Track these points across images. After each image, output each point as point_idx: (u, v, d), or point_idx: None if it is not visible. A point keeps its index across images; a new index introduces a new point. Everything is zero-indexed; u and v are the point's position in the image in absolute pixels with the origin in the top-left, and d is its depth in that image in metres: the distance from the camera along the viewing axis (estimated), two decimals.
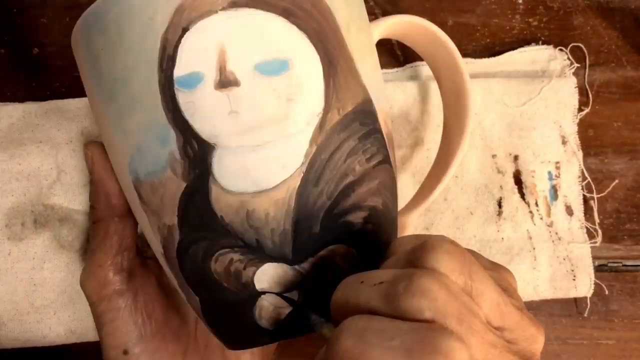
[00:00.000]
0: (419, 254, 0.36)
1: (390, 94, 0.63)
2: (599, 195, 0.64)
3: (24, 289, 0.60)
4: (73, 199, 0.61)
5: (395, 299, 0.34)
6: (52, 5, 0.65)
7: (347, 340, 0.33)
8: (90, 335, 0.61)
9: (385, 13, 0.63)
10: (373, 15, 0.65)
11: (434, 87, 0.63)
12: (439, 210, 0.63)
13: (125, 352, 0.50)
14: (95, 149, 0.50)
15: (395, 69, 0.66)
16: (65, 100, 0.62)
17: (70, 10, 0.65)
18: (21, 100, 0.63)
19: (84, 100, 0.61)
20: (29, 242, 0.61)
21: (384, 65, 0.66)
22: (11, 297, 0.60)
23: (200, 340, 0.55)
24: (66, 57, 0.64)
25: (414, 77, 0.65)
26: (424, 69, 0.65)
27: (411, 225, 0.56)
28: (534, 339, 0.38)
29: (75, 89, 0.64)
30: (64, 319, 0.60)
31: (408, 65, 0.66)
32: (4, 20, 0.65)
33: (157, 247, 0.44)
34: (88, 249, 0.52)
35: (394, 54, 0.66)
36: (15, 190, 0.61)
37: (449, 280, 0.34)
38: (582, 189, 0.64)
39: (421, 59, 0.63)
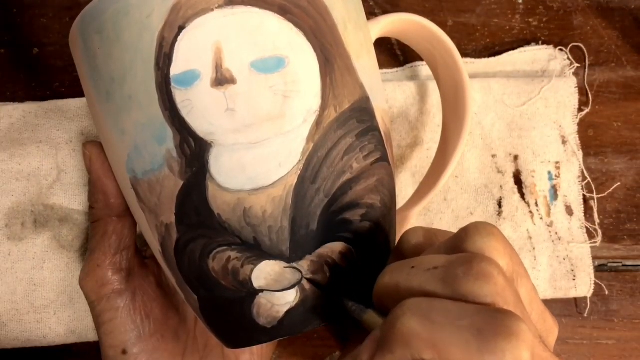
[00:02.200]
0: (464, 237, 0.37)
1: (390, 94, 0.63)
2: (599, 196, 0.64)
3: (24, 289, 0.60)
4: (73, 199, 0.61)
5: (455, 283, 0.34)
6: (52, 5, 0.66)
7: (412, 319, 0.33)
8: (90, 335, 0.61)
9: (385, 13, 0.63)
10: (373, 15, 0.66)
11: (433, 87, 0.63)
12: (439, 210, 0.63)
13: (124, 352, 0.50)
14: (93, 148, 0.50)
15: (395, 69, 0.66)
16: (65, 100, 0.62)
17: (70, 10, 0.66)
18: (21, 100, 0.63)
19: (84, 100, 0.61)
20: (29, 242, 0.61)
21: (383, 65, 0.66)
22: (11, 297, 0.60)
23: (200, 339, 0.55)
24: (66, 57, 0.64)
25: (414, 77, 0.65)
26: (424, 69, 0.65)
27: (410, 224, 0.56)
28: (551, 330, 0.39)
29: (75, 89, 0.64)
30: (64, 319, 0.60)
31: (408, 65, 0.66)
32: (4, 20, 0.66)
33: (155, 246, 0.44)
34: (87, 248, 0.52)
35: (394, 53, 0.66)
36: (15, 190, 0.61)
37: (499, 264, 0.35)
38: (582, 189, 0.64)
39: (421, 59, 0.63)
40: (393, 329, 0.34)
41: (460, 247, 0.37)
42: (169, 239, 0.42)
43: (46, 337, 0.61)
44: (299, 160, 0.40)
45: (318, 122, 0.40)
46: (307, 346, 0.64)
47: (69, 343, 0.61)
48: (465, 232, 0.37)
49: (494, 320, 0.32)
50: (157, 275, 0.54)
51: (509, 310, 0.33)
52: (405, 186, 0.63)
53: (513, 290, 0.35)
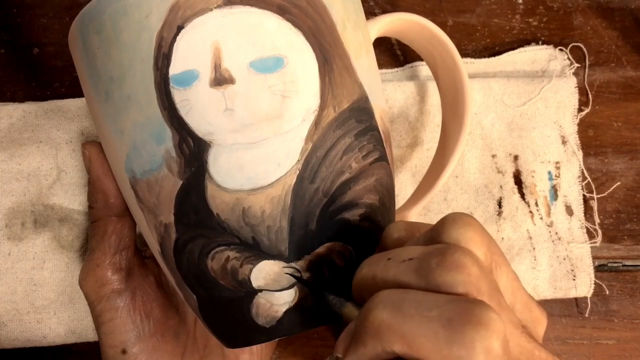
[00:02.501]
0: (440, 229, 0.37)
1: (390, 94, 0.63)
2: (599, 196, 0.64)
3: (24, 289, 0.60)
4: (73, 199, 0.61)
5: (429, 274, 0.34)
6: (52, 5, 0.66)
7: (382, 311, 0.33)
8: (90, 335, 0.61)
9: (385, 12, 0.62)
10: (372, 15, 0.65)
11: (433, 87, 0.63)
12: (439, 210, 0.63)
13: (124, 352, 0.50)
14: (92, 148, 0.50)
15: (395, 69, 0.66)
16: (65, 100, 0.62)
17: (70, 10, 0.66)
18: (21, 100, 0.63)
19: (84, 100, 0.61)
20: (29, 242, 0.61)
21: (383, 65, 0.66)
22: (11, 297, 0.60)
23: (200, 339, 0.55)
24: (66, 57, 0.64)
25: (414, 77, 0.65)
26: (424, 69, 0.65)
27: None
28: (539, 321, 0.39)
29: (75, 89, 0.64)
30: (64, 319, 0.60)
31: (408, 65, 0.66)
32: (4, 20, 0.66)
33: (154, 246, 0.45)
34: (87, 248, 0.52)
35: (394, 54, 0.66)
36: (15, 190, 0.61)
37: (475, 254, 0.35)
38: (582, 189, 0.64)
39: (421, 59, 0.63)
40: (365, 321, 0.34)
41: (437, 238, 0.37)
42: (168, 239, 0.42)
43: (46, 337, 0.61)
44: (298, 160, 0.40)
45: (317, 122, 0.40)
46: (307, 346, 0.64)
47: (69, 343, 0.61)
48: (442, 224, 0.37)
49: (464, 310, 0.32)
50: (156, 275, 0.54)
51: (480, 300, 0.33)
52: (405, 186, 0.63)
53: (489, 280, 0.35)
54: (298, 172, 0.40)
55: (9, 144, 0.61)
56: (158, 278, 0.54)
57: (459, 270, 0.34)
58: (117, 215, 0.50)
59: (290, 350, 0.64)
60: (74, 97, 0.62)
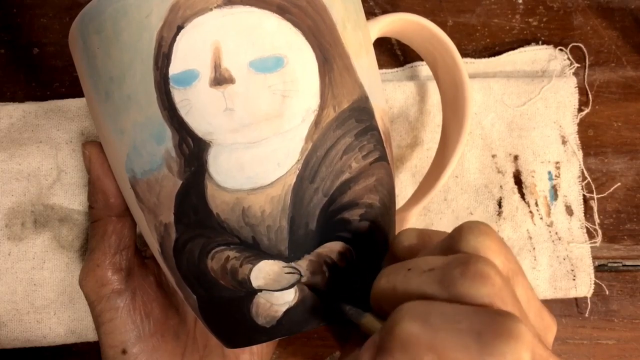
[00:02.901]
0: (458, 237, 0.37)
1: (390, 94, 0.63)
2: (599, 196, 0.64)
3: (24, 289, 0.60)
4: (73, 199, 0.61)
5: (452, 285, 0.34)
6: (52, 5, 0.66)
7: (410, 323, 0.33)
8: (90, 335, 0.61)
9: (385, 12, 0.63)
10: (372, 15, 0.66)
11: (433, 87, 0.63)
12: (439, 210, 0.63)
13: (124, 352, 0.50)
14: (92, 148, 0.50)
15: (395, 69, 0.66)
16: (65, 100, 0.62)
17: (70, 10, 0.66)
18: (21, 100, 0.63)
19: (84, 100, 0.61)
20: (29, 242, 0.61)
21: (383, 65, 0.66)
22: (11, 297, 0.60)
23: (200, 339, 0.55)
24: (66, 57, 0.64)
25: (414, 77, 0.65)
26: (424, 69, 0.65)
27: (410, 223, 0.56)
28: (550, 328, 0.39)
29: (75, 89, 0.64)
30: (64, 319, 0.60)
31: (408, 65, 0.66)
32: (4, 20, 0.66)
33: (154, 246, 0.44)
34: (87, 248, 0.52)
35: (394, 54, 0.66)
36: (15, 190, 0.61)
37: (495, 264, 0.35)
38: (582, 189, 0.64)
39: (421, 59, 0.63)
40: (392, 333, 0.34)
41: (454, 247, 0.37)
42: (168, 239, 0.42)
43: (46, 337, 0.61)
44: (298, 160, 0.40)
45: (317, 122, 0.40)
46: (307, 346, 0.64)
47: (69, 343, 0.61)
48: (459, 232, 0.37)
49: (493, 322, 0.32)
50: (156, 275, 0.54)
51: (507, 311, 0.33)
52: (405, 186, 0.63)
53: (510, 290, 0.34)
54: (298, 171, 0.40)
55: (9, 144, 0.61)
56: (158, 278, 0.54)
57: (483, 281, 0.34)
58: (117, 215, 0.50)
59: (290, 350, 0.64)
60: (74, 97, 0.62)
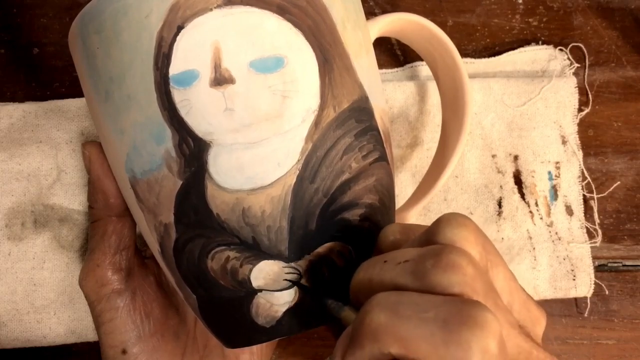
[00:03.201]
0: (435, 230, 0.37)
1: (390, 94, 0.63)
2: (599, 196, 0.64)
3: (24, 289, 0.60)
4: (73, 199, 0.61)
5: (424, 275, 0.34)
6: (52, 5, 0.66)
7: (380, 314, 0.33)
8: (90, 335, 0.61)
9: (385, 12, 0.62)
10: (372, 15, 0.65)
11: (433, 87, 0.63)
12: (439, 210, 0.63)
13: (124, 352, 0.50)
14: (92, 148, 0.50)
15: (395, 69, 0.66)
16: (65, 100, 0.62)
17: (70, 10, 0.66)
18: (21, 100, 0.63)
19: (84, 100, 0.61)
20: (29, 242, 0.61)
21: (383, 65, 0.66)
22: (11, 297, 0.60)
23: (200, 339, 0.55)
24: (66, 57, 0.64)
25: (414, 77, 0.65)
26: (424, 69, 0.65)
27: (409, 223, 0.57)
28: (538, 321, 0.39)
29: (75, 89, 0.64)
30: (64, 319, 0.60)
31: (408, 65, 0.66)
32: (4, 20, 0.66)
33: (154, 246, 0.44)
34: (87, 249, 0.52)
35: (394, 54, 0.66)
36: (15, 190, 0.61)
37: (470, 254, 0.35)
38: (582, 189, 0.64)
39: (421, 59, 0.63)
40: (362, 324, 0.34)
41: (431, 239, 0.37)
42: (168, 239, 0.42)
43: (46, 337, 0.61)
44: (298, 160, 0.40)
45: (317, 122, 0.40)
46: (307, 346, 0.64)
47: (69, 343, 0.61)
48: (437, 225, 0.37)
49: (459, 311, 0.32)
50: (156, 275, 0.54)
51: (476, 300, 0.33)
52: (405, 186, 0.63)
53: (484, 280, 0.35)
54: (298, 172, 0.40)
55: (9, 144, 0.61)
56: (158, 278, 0.54)
57: (454, 271, 0.34)
58: (117, 215, 0.50)
59: (290, 350, 0.64)
60: (74, 97, 0.62)
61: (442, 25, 0.60)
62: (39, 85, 0.65)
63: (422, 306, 0.33)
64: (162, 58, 0.39)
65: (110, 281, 0.50)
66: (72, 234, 0.61)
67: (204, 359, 0.55)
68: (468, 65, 0.65)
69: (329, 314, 0.41)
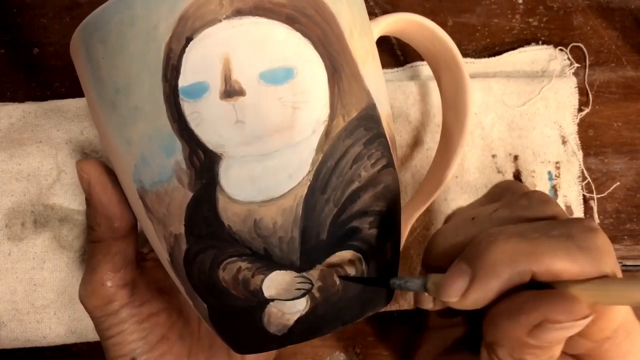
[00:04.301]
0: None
1: (391, 94, 0.63)
2: (599, 196, 0.65)
3: (24, 289, 0.60)
4: (73, 199, 0.61)
5: (524, 211, 0.38)
6: (52, 5, 0.65)
7: (509, 240, 0.35)
8: (90, 335, 0.61)
9: (385, 13, 0.62)
10: (373, 15, 0.65)
11: (434, 87, 0.63)
12: (439, 210, 0.63)
13: None
14: (91, 169, 0.48)
15: (396, 69, 0.66)
16: (65, 100, 0.62)
17: (70, 10, 0.65)
18: (21, 100, 0.63)
19: (84, 100, 0.61)
20: (29, 242, 0.61)
21: (384, 65, 0.65)
22: (11, 297, 0.60)
23: (205, 339, 0.55)
24: (66, 57, 0.64)
25: (414, 77, 0.65)
26: (424, 69, 0.65)
27: (411, 225, 0.57)
28: None
29: (75, 89, 0.64)
30: (64, 319, 0.60)
31: (408, 65, 0.65)
32: (4, 20, 0.65)
33: (163, 255, 0.44)
34: (86, 264, 0.51)
35: (394, 54, 0.66)
36: (15, 190, 0.61)
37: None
38: (582, 189, 0.64)
39: (421, 59, 0.63)
40: (489, 254, 0.35)
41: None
42: (178, 249, 0.42)
43: (46, 337, 0.61)
44: (309, 171, 0.40)
45: (327, 132, 0.40)
46: (307, 346, 0.64)
47: (69, 343, 0.61)
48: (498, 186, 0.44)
49: (576, 225, 0.35)
50: (157, 280, 0.54)
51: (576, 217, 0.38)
52: (405, 186, 0.63)
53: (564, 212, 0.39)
54: (309, 182, 0.40)
55: (9, 144, 0.61)
56: (161, 284, 0.54)
57: (547, 201, 0.38)
58: (121, 237, 0.49)
59: (291, 350, 0.64)
60: (74, 97, 0.62)
61: (442, 25, 0.60)
62: (39, 85, 0.65)
63: (542, 229, 0.35)
64: (171, 70, 0.38)
65: (116, 298, 0.50)
66: (72, 234, 0.61)
67: (209, 359, 0.55)
68: (468, 65, 0.65)
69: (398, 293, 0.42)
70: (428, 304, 0.43)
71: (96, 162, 0.48)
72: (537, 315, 0.33)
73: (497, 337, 0.35)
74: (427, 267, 0.41)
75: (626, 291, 0.32)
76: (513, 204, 0.38)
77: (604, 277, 0.34)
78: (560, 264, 0.34)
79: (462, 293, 0.36)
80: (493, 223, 0.38)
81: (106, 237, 0.49)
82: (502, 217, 0.38)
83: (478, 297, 0.35)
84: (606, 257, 0.34)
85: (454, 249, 0.39)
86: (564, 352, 0.38)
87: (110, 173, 0.48)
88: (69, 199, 0.61)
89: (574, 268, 0.33)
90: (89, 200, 0.49)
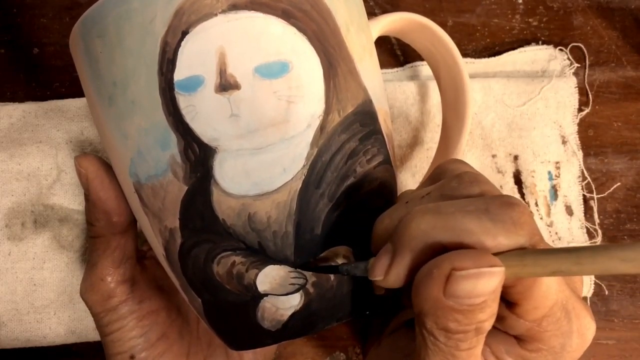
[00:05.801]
0: (440, 170, 0.43)
1: (390, 94, 0.63)
2: (599, 196, 0.64)
3: (24, 289, 0.60)
4: (73, 199, 0.61)
5: (453, 191, 0.38)
6: (52, 5, 0.65)
7: (424, 216, 0.36)
8: (90, 335, 0.61)
9: (385, 12, 0.62)
10: (373, 15, 0.65)
11: (433, 87, 0.63)
12: None
13: (132, 357, 0.50)
14: (89, 165, 0.48)
15: (395, 69, 0.66)
16: (65, 100, 0.62)
17: (70, 10, 0.65)
18: (21, 100, 0.63)
19: (84, 100, 0.61)
20: (29, 242, 0.61)
21: (383, 65, 0.66)
22: (11, 297, 0.60)
23: (203, 338, 0.55)
24: (66, 57, 0.64)
25: (414, 76, 0.65)
26: (424, 69, 0.65)
27: None
28: None
29: (75, 89, 0.64)
30: (64, 319, 0.60)
31: (408, 65, 0.66)
32: (4, 20, 0.65)
33: (158, 250, 0.44)
34: (87, 260, 0.51)
35: (394, 54, 0.66)
36: (15, 190, 0.61)
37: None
38: (582, 189, 0.64)
39: (421, 59, 0.63)
40: (408, 229, 0.36)
41: (441, 178, 0.41)
42: (173, 243, 0.42)
43: (46, 337, 0.61)
44: (304, 165, 0.39)
45: (322, 127, 0.40)
46: (307, 346, 0.64)
47: (69, 343, 0.61)
48: (439, 168, 0.43)
49: (495, 199, 0.35)
50: (158, 278, 0.54)
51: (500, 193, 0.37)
52: (405, 186, 0.63)
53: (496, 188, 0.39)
54: (304, 177, 0.39)
55: (9, 144, 0.61)
56: (160, 282, 0.54)
57: (478, 181, 0.38)
58: (120, 232, 0.50)
59: (291, 350, 0.64)
60: (74, 97, 0.62)
61: (442, 25, 0.60)
62: (39, 85, 0.65)
63: (459, 204, 0.35)
64: (167, 63, 0.38)
65: (116, 293, 0.50)
66: (72, 234, 0.61)
67: (208, 358, 0.55)
68: (468, 65, 0.65)
69: (346, 276, 0.41)
70: (378, 289, 0.44)
71: (94, 158, 0.48)
72: (446, 265, 0.33)
73: (420, 304, 0.35)
74: (374, 251, 0.42)
75: (541, 260, 0.32)
76: (444, 186, 0.38)
77: (520, 250, 0.34)
78: (472, 236, 0.34)
79: (385, 271, 0.37)
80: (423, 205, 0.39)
81: (105, 233, 0.49)
82: (432, 198, 0.38)
83: (398, 272, 0.36)
84: (521, 229, 0.34)
85: (386, 232, 0.40)
86: (505, 333, 0.39)
87: (108, 168, 0.48)
88: (69, 199, 0.61)
89: (487, 240, 0.34)
90: (87, 196, 0.49)
